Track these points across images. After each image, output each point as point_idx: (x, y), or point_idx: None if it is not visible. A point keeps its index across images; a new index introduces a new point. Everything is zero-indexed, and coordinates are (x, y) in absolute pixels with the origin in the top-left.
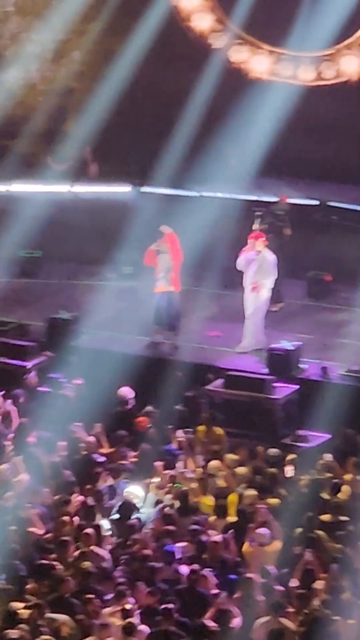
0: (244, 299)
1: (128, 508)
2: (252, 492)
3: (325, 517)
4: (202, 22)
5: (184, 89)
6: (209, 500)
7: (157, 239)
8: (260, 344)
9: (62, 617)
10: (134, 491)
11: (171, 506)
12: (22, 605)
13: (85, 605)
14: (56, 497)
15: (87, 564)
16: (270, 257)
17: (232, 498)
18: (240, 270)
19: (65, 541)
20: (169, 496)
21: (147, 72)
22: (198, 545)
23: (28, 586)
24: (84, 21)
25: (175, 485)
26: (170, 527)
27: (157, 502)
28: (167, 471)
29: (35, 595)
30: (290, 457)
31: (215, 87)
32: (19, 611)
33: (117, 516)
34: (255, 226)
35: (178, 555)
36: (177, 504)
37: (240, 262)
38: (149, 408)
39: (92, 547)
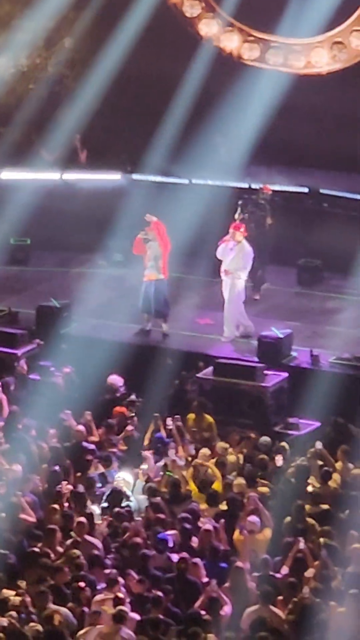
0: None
1: (117, 496)
2: (242, 480)
3: (315, 506)
4: (193, 9)
5: (174, 76)
6: (199, 488)
7: (144, 228)
8: (248, 329)
9: (58, 607)
10: (124, 478)
11: (162, 494)
12: (12, 592)
13: (76, 593)
14: (47, 485)
15: (78, 553)
16: (248, 248)
17: (217, 486)
18: (220, 258)
19: (55, 529)
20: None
21: (138, 59)
22: (188, 534)
23: (18, 574)
24: (75, 8)
25: (167, 473)
26: (161, 516)
27: (147, 490)
28: (157, 459)
29: (26, 583)
30: (280, 444)
31: (206, 74)
32: (9, 598)
33: (106, 504)
34: (237, 215)
35: (170, 544)
36: (168, 492)
37: (220, 251)
38: (131, 397)
39: (83, 535)
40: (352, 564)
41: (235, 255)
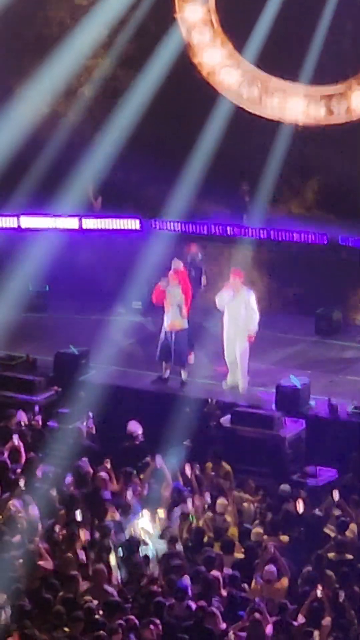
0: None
1: (134, 544)
2: (260, 529)
3: (333, 555)
4: (213, 57)
5: (195, 124)
6: (214, 536)
7: (166, 275)
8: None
9: None
10: (142, 526)
11: (184, 541)
12: None
13: None
14: (64, 533)
15: (93, 601)
16: (250, 295)
17: (232, 532)
18: (218, 306)
19: (72, 577)
20: (179, 531)
21: (157, 107)
22: (205, 582)
23: (33, 621)
24: (94, 57)
25: (190, 518)
26: (180, 563)
27: (166, 537)
28: (176, 507)
29: (39, 631)
30: (298, 493)
31: (227, 122)
32: None
33: (123, 552)
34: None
35: (190, 592)
36: (191, 539)
37: (218, 298)
38: (128, 469)
39: (99, 584)
40: None
41: (243, 308)
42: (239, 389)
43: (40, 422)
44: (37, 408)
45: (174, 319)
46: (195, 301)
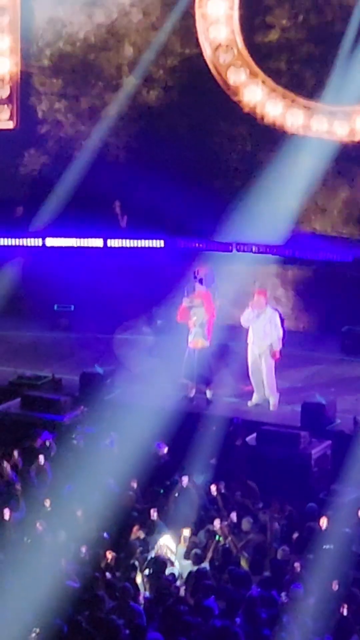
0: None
1: (160, 562)
2: (286, 547)
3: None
4: (237, 75)
5: (218, 142)
6: (243, 556)
7: (189, 295)
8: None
9: None
10: (167, 544)
11: (210, 560)
12: None
13: None
14: (91, 552)
15: (119, 620)
16: (275, 314)
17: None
18: (243, 324)
19: (99, 596)
20: (205, 550)
21: (182, 126)
22: (231, 600)
23: None
24: (118, 77)
25: (217, 538)
26: (207, 582)
27: (192, 556)
28: (202, 526)
29: None
30: (325, 511)
31: (250, 140)
32: None
33: (149, 571)
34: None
35: (215, 611)
36: (216, 558)
37: (244, 317)
38: (153, 488)
39: (126, 602)
40: None
41: (267, 326)
42: (270, 406)
43: (66, 442)
44: (62, 428)
45: (197, 338)
46: (215, 321)
